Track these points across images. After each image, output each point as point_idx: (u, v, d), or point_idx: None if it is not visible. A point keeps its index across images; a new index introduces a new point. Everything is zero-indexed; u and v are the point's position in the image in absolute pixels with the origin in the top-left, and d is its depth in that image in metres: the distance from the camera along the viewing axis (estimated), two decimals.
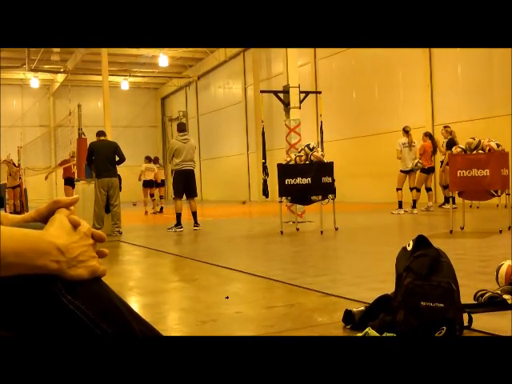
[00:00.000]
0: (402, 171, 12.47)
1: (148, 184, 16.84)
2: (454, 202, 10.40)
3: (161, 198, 17.29)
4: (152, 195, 16.97)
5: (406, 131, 12.51)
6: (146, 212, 16.52)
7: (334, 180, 8.66)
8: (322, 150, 9.58)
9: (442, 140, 12.79)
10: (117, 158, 9.91)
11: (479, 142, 7.34)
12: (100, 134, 10.16)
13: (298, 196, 8.58)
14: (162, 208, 16.82)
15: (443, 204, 12.78)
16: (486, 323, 2.79)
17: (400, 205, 12.04)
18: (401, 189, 12.34)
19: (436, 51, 15.53)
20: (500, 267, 3.57)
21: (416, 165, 12.33)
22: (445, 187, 12.41)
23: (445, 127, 12.71)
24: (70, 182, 14.95)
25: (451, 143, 11.55)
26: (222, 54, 26.10)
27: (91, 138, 10.92)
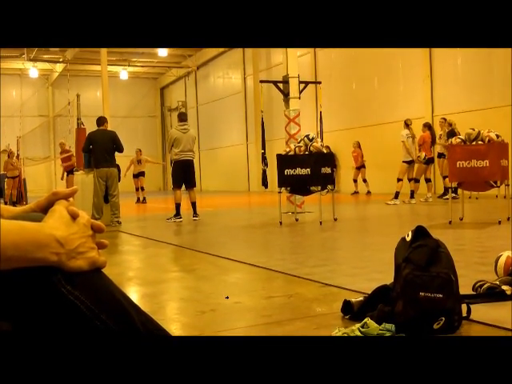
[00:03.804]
0: (404, 162, 12.51)
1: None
2: (456, 193, 10.44)
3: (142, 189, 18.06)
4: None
5: (407, 124, 12.58)
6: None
7: (333, 170, 8.64)
8: (322, 141, 9.56)
9: (438, 132, 12.85)
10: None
11: (479, 132, 7.33)
12: (100, 121, 9.94)
13: (297, 186, 8.58)
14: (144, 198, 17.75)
15: (443, 195, 12.80)
16: (485, 314, 2.80)
17: (396, 195, 12.06)
18: (402, 179, 12.38)
19: None
20: (499, 258, 3.58)
21: (424, 157, 12.40)
22: (444, 178, 12.47)
23: (445, 120, 12.74)
24: (72, 171, 15.03)
25: (453, 134, 11.57)
26: None
27: (90, 127, 10.84)
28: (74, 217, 0.97)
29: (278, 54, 20.95)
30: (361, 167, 17.33)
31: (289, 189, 8.72)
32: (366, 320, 2.54)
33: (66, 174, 16.34)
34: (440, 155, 12.83)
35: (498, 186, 7.37)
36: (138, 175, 17.97)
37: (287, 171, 8.37)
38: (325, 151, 8.65)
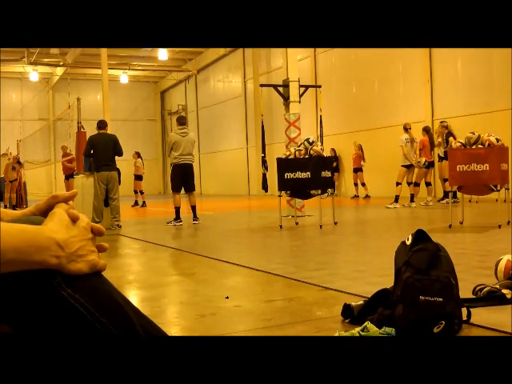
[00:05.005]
0: (403, 166, 12.54)
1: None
2: (456, 196, 10.44)
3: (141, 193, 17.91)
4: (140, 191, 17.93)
5: (406, 128, 12.62)
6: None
7: (333, 174, 8.63)
8: (322, 144, 9.57)
9: (435, 134, 12.90)
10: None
11: (479, 136, 7.33)
12: (101, 125, 9.99)
13: (297, 190, 8.58)
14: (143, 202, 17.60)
15: (442, 199, 12.80)
16: (485, 318, 2.80)
17: (396, 199, 12.08)
18: (401, 183, 12.41)
19: None
20: (499, 262, 3.57)
21: (425, 163, 12.43)
22: (444, 181, 12.49)
23: (441, 123, 12.77)
24: (72, 175, 15.06)
25: (450, 136, 11.64)
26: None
27: (90, 131, 10.85)
28: (74, 220, 0.97)
29: (278, 58, 20.99)
30: (358, 170, 17.29)
31: (289, 192, 8.72)
32: (366, 324, 2.53)
33: (65, 176, 16.34)
34: (441, 158, 12.85)
35: (498, 190, 7.37)
36: (135, 178, 17.96)
37: (287, 175, 8.37)
38: (329, 154, 8.66)
